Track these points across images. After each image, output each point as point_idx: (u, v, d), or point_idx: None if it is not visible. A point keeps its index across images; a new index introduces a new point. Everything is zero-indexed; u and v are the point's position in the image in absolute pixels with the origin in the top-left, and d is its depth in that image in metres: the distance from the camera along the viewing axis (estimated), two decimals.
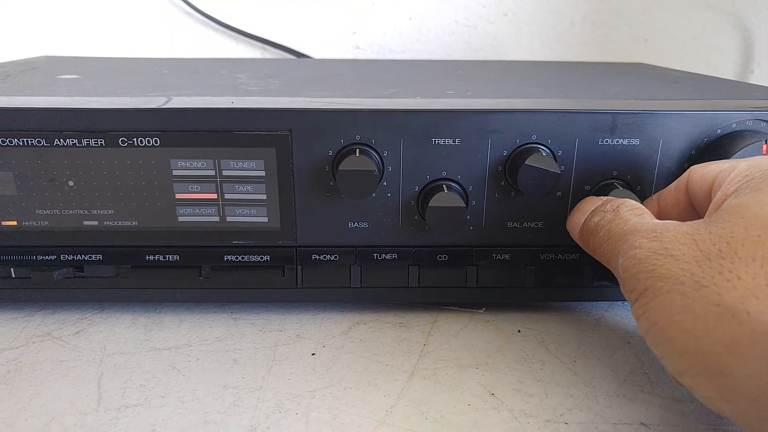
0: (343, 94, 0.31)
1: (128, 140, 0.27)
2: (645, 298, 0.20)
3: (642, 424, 0.23)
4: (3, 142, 0.27)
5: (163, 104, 0.27)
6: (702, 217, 0.21)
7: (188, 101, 0.28)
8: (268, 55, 0.60)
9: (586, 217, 0.26)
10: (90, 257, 0.30)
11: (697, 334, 0.18)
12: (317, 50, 0.60)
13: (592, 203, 0.27)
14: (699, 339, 0.18)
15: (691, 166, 0.26)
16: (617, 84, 0.38)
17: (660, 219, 0.26)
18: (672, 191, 0.26)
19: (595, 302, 0.33)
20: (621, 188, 0.28)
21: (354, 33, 0.60)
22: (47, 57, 0.49)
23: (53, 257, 0.29)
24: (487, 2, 0.60)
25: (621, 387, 0.26)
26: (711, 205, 0.22)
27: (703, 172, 0.24)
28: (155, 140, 0.27)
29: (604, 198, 0.27)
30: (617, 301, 0.33)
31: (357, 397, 0.25)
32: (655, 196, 0.27)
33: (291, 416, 0.24)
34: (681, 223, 0.21)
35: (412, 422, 0.23)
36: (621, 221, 0.23)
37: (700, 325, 0.18)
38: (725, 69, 0.63)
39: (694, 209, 0.25)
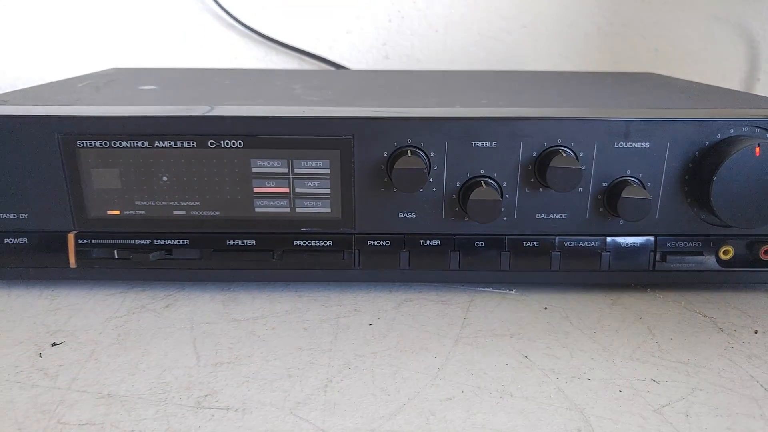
0: (394, 104, 0.36)
1: (216, 142, 0.33)
2: None
3: (653, 380, 0.28)
4: (114, 144, 0.33)
5: (247, 113, 0.33)
6: None
7: (267, 110, 0.33)
8: (305, 66, 0.65)
9: None
10: (179, 242, 0.35)
11: None
12: (351, 60, 0.65)
13: None
14: None
15: None
16: (631, 93, 0.43)
17: None
18: None
19: (611, 284, 0.37)
20: (634, 185, 0.33)
21: (384, 44, 0.65)
22: (117, 69, 0.54)
23: (148, 241, 0.35)
24: (508, 15, 0.65)
25: (635, 353, 0.30)
26: None
27: None
28: (239, 143, 0.33)
29: None
30: (631, 282, 0.37)
31: (412, 358, 0.30)
32: None
33: (359, 371, 0.28)
34: None
35: (460, 377, 0.28)
36: None
37: None
38: (733, 77, 0.67)
39: None
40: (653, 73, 0.58)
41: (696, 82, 0.50)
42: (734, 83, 0.67)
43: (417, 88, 0.45)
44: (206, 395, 0.27)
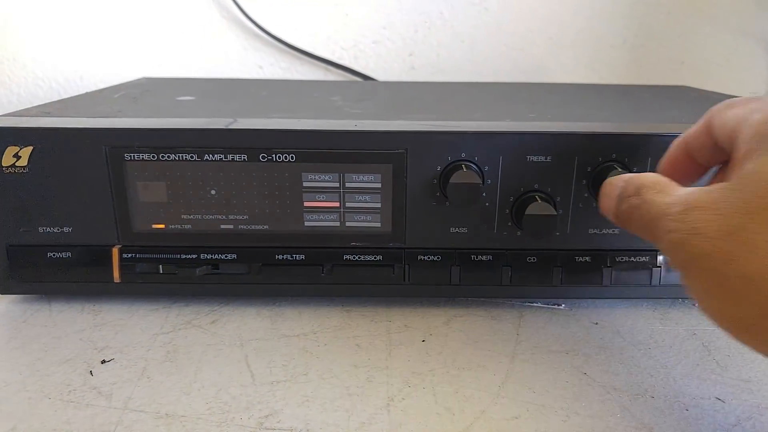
0: (443, 117, 0.36)
1: (268, 156, 0.32)
2: (687, 279, 0.22)
3: (717, 398, 0.28)
4: (162, 156, 0.32)
5: (300, 126, 0.32)
6: (730, 157, 0.23)
7: (320, 124, 0.32)
8: (330, 76, 0.65)
9: (614, 202, 0.27)
10: (226, 256, 0.34)
11: (732, 305, 0.20)
12: (377, 70, 0.65)
13: (615, 187, 0.27)
14: (734, 308, 0.20)
15: (710, 109, 0.26)
16: (670, 108, 0.43)
17: (691, 161, 0.27)
18: (697, 135, 0.27)
19: (658, 299, 0.37)
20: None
21: (410, 55, 0.65)
22: (147, 78, 0.54)
23: (194, 256, 0.34)
24: (534, 27, 0.65)
25: (694, 370, 0.30)
26: (732, 161, 0.24)
27: (722, 120, 0.25)
28: (292, 156, 0.32)
29: (625, 179, 0.26)
30: (680, 298, 0.37)
31: (471, 376, 0.29)
32: (682, 140, 0.28)
33: (420, 390, 0.28)
34: (705, 191, 0.22)
35: (523, 395, 0.28)
36: (647, 205, 0.24)
37: (732, 296, 0.20)
38: (756, 88, 0.67)
39: (722, 149, 0.26)
40: (685, 86, 0.58)
41: (728, 95, 0.50)
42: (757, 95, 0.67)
43: (457, 100, 0.45)
44: (267, 415, 0.26)
